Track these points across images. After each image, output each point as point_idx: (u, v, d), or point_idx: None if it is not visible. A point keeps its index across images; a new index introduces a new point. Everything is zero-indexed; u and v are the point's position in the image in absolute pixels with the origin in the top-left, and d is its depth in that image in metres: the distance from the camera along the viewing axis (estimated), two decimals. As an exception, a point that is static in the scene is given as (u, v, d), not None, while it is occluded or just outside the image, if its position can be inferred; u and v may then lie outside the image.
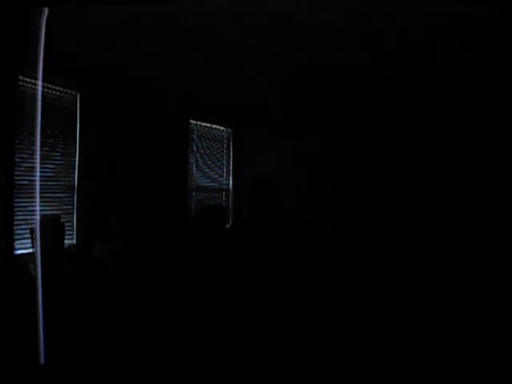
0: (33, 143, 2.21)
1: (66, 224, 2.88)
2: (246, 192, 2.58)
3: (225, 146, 3.59)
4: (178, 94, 3.25)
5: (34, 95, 2.23)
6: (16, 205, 2.22)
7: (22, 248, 2.59)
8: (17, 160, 2.24)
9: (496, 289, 2.45)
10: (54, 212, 2.88)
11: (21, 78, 2.49)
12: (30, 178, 2.27)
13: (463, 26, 2.60)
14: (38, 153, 2.24)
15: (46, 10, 2.10)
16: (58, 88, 2.93)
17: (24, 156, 2.47)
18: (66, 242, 2.82)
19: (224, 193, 3.57)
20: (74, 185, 3.04)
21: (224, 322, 2.36)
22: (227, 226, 3.07)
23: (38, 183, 2.21)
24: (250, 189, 2.57)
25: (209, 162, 3.54)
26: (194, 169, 3.47)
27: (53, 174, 2.93)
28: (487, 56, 2.71)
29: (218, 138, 3.58)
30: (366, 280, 2.68)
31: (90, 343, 2.40)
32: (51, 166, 2.91)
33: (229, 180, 3.58)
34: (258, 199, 2.52)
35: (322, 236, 2.77)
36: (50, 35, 2.09)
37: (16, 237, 2.37)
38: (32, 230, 2.50)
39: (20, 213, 2.46)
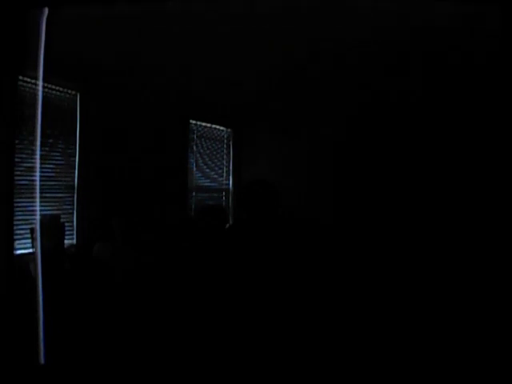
0: (33, 143, 2.21)
1: (66, 224, 2.88)
2: (243, 193, 2.58)
3: (225, 146, 3.59)
4: (178, 93, 3.25)
5: (34, 95, 2.23)
6: (16, 205, 2.22)
7: (22, 248, 2.59)
8: (17, 160, 2.24)
9: (493, 285, 2.45)
10: (54, 212, 2.88)
11: (21, 78, 2.49)
12: (30, 178, 2.27)
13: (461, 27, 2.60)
14: (38, 153, 2.24)
15: (46, 10, 2.11)
16: (57, 88, 2.94)
17: (24, 156, 2.47)
18: (66, 241, 2.82)
19: (224, 193, 3.57)
20: (73, 185, 3.04)
21: (222, 321, 2.36)
22: (227, 225, 3.07)
23: (38, 183, 2.21)
24: (247, 189, 2.57)
25: (209, 162, 3.54)
26: (194, 169, 3.47)
27: (53, 174, 2.93)
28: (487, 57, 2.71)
29: (218, 138, 3.58)
30: (364, 281, 2.68)
31: (90, 343, 2.40)
32: (51, 165, 2.91)
33: (229, 180, 3.59)
34: (254, 200, 2.52)
35: (320, 237, 2.77)
36: (50, 35, 2.09)
37: (16, 237, 2.37)
38: (32, 230, 2.50)
39: (20, 213, 2.46)
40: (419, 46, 2.86)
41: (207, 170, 3.53)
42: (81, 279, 2.68)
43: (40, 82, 2.20)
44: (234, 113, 3.43)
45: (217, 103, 3.37)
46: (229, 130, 3.59)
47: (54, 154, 2.93)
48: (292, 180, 3.07)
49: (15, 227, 2.23)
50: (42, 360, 2.06)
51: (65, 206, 2.99)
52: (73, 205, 3.03)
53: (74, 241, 3.00)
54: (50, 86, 2.86)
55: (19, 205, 2.40)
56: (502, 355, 2.08)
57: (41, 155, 2.27)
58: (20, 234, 2.56)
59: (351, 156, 3.16)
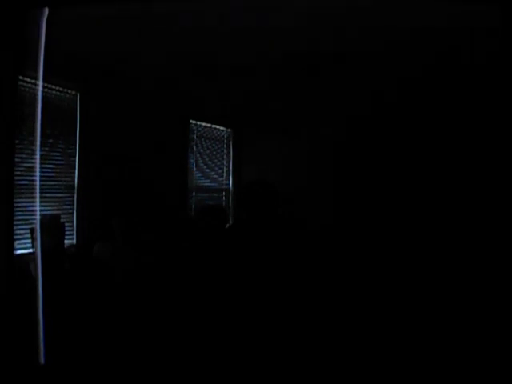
0: (33, 143, 2.21)
1: (66, 224, 2.88)
2: (243, 193, 2.58)
3: (225, 146, 3.59)
4: (178, 93, 3.25)
5: (34, 95, 2.23)
6: (16, 205, 2.22)
7: (22, 248, 2.59)
8: (17, 160, 2.24)
9: (495, 287, 2.45)
10: (54, 212, 2.88)
11: (21, 78, 2.49)
12: (30, 178, 2.27)
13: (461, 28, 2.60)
14: (38, 153, 2.24)
15: (46, 10, 2.11)
16: (58, 88, 2.94)
17: (24, 156, 2.47)
18: (66, 241, 2.82)
19: (224, 193, 3.57)
20: (73, 185, 3.04)
21: (222, 321, 2.36)
22: (227, 225, 3.07)
23: (38, 183, 2.21)
24: (247, 189, 2.57)
25: (209, 162, 3.54)
26: (194, 169, 3.47)
27: (53, 174, 2.93)
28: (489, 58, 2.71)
29: (218, 138, 3.58)
30: (364, 281, 2.68)
31: (89, 343, 2.40)
32: (51, 165, 2.92)
33: (229, 180, 3.58)
34: (254, 200, 2.52)
35: (320, 237, 2.77)
36: (50, 35, 2.09)
37: (16, 237, 2.37)
38: (32, 230, 2.50)
39: (20, 213, 2.45)
40: (419, 45, 2.87)
41: (207, 170, 3.53)
42: (81, 279, 2.68)
43: (40, 82, 2.20)
44: (233, 113, 3.43)
45: (217, 103, 3.37)
46: (229, 130, 3.59)
47: (54, 153, 2.93)
48: (292, 180, 3.07)
49: (15, 227, 2.23)
50: (41, 360, 2.06)
51: (65, 206, 2.99)
52: (73, 205, 3.03)
53: (74, 241, 3.00)
54: (49, 85, 2.86)
55: (19, 205, 2.39)
56: (501, 355, 2.08)
57: (41, 155, 2.27)
58: (20, 234, 2.56)
59: (351, 156, 3.16)
